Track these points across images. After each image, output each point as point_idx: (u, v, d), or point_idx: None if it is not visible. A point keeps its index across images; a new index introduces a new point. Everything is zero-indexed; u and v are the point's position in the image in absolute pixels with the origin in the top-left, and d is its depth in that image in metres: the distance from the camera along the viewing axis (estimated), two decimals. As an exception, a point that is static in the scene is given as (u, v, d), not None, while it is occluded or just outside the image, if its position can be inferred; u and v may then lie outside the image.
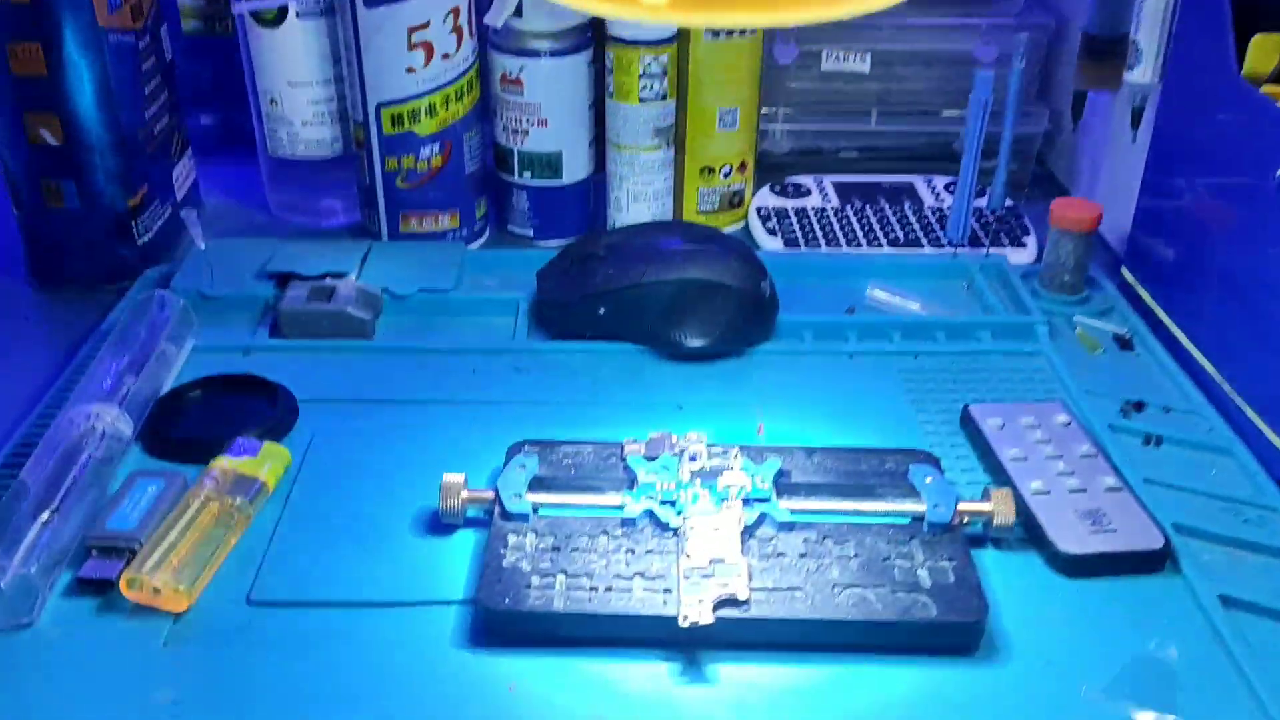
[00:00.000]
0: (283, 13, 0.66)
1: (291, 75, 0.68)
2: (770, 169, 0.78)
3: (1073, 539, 0.45)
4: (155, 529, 0.43)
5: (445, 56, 0.64)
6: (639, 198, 0.70)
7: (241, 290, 0.61)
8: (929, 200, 0.75)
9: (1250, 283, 0.53)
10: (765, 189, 0.75)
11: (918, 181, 0.77)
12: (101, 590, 0.42)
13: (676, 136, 0.70)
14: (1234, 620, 0.42)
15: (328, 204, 0.73)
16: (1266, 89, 0.53)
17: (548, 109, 0.67)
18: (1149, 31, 0.63)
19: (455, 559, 0.45)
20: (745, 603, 0.41)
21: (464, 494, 0.46)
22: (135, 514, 0.44)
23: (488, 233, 0.72)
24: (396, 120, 0.65)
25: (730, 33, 0.67)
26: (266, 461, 0.48)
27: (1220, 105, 0.56)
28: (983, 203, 0.68)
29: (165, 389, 0.53)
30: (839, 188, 0.76)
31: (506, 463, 0.47)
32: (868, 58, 0.77)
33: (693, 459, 0.47)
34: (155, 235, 0.66)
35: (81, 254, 0.64)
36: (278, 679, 0.39)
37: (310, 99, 0.69)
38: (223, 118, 0.80)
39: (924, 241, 0.70)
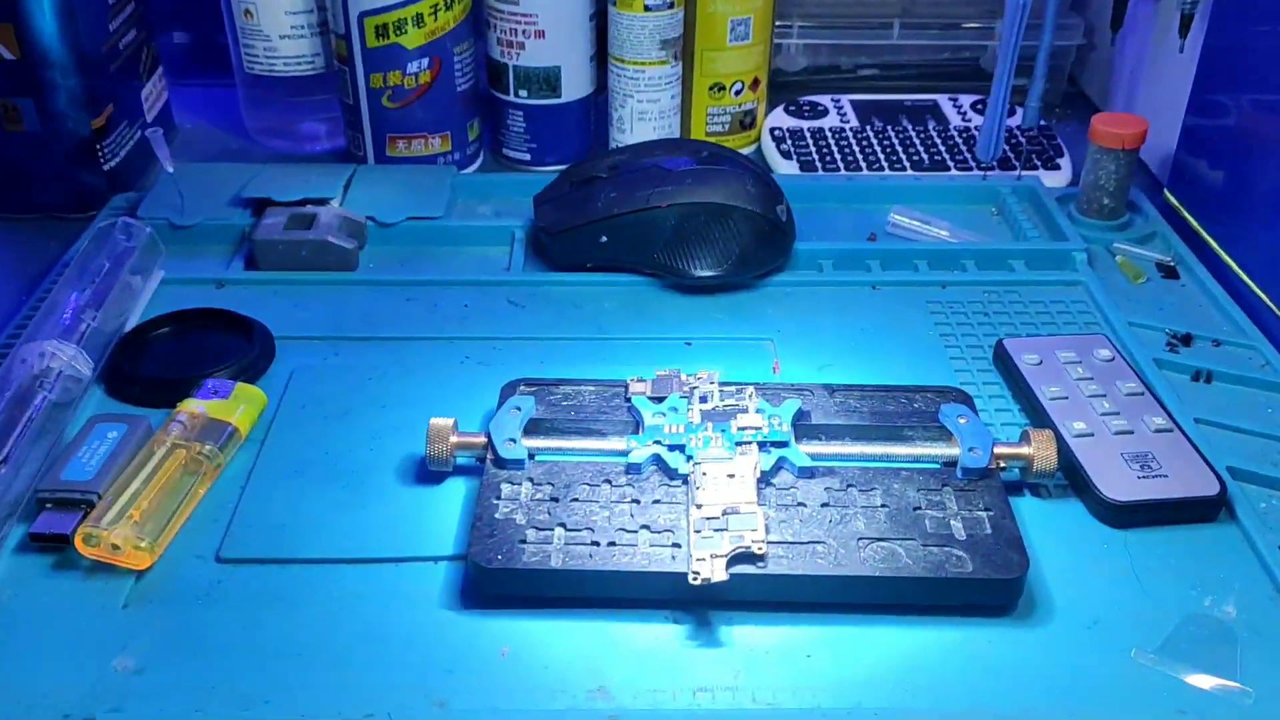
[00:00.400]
0: (256, -86, 0.61)
1: (267, -17, 0.63)
2: (784, 87, 0.73)
3: (1120, 485, 0.41)
4: (115, 479, 0.40)
5: (433, -39, 0.59)
6: (644, 117, 0.65)
7: (214, 218, 0.57)
8: (954, 120, 0.70)
9: (1312, 204, 0.49)
10: (779, 109, 0.71)
11: (942, 100, 0.72)
12: (56, 547, 0.39)
13: (684, 50, 0.65)
14: (1297, 573, 0.39)
15: (309, 127, 0.68)
16: (1337, -11, 0.48)
17: (545, 19, 0.62)
18: (1202, -72, 0.58)
19: (444, 511, 0.42)
20: (762, 558, 0.37)
21: (453, 439, 0.42)
22: (93, 463, 0.41)
23: (481, 156, 0.68)
24: (381, 31, 0.60)
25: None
26: (239, 404, 0.44)
27: (1283, 8, 0.51)
28: (1015, 121, 0.63)
29: (130, 325, 0.50)
30: (858, 107, 0.71)
31: (500, 405, 0.44)
32: (890, -35, 0.72)
33: (704, 399, 0.44)
34: (123, 160, 0.63)
35: (43, 180, 0.60)
36: (249, 643, 0.36)
37: (288, 8, 0.64)
38: (198, 35, 0.75)
39: (950, 164, 0.65)
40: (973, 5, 0.73)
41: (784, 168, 0.66)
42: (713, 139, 0.67)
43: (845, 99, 0.72)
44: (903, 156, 0.66)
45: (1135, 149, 0.57)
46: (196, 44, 0.75)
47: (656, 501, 0.40)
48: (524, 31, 0.63)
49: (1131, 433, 0.44)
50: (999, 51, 0.58)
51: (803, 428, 0.43)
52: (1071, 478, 0.43)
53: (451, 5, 0.61)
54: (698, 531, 0.38)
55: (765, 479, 0.41)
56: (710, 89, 0.66)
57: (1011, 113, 0.62)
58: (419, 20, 0.60)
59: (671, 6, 0.63)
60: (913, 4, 0.73)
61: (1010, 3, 0.56)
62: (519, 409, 0.43)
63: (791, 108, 0.71)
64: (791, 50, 0.74)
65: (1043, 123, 0.68)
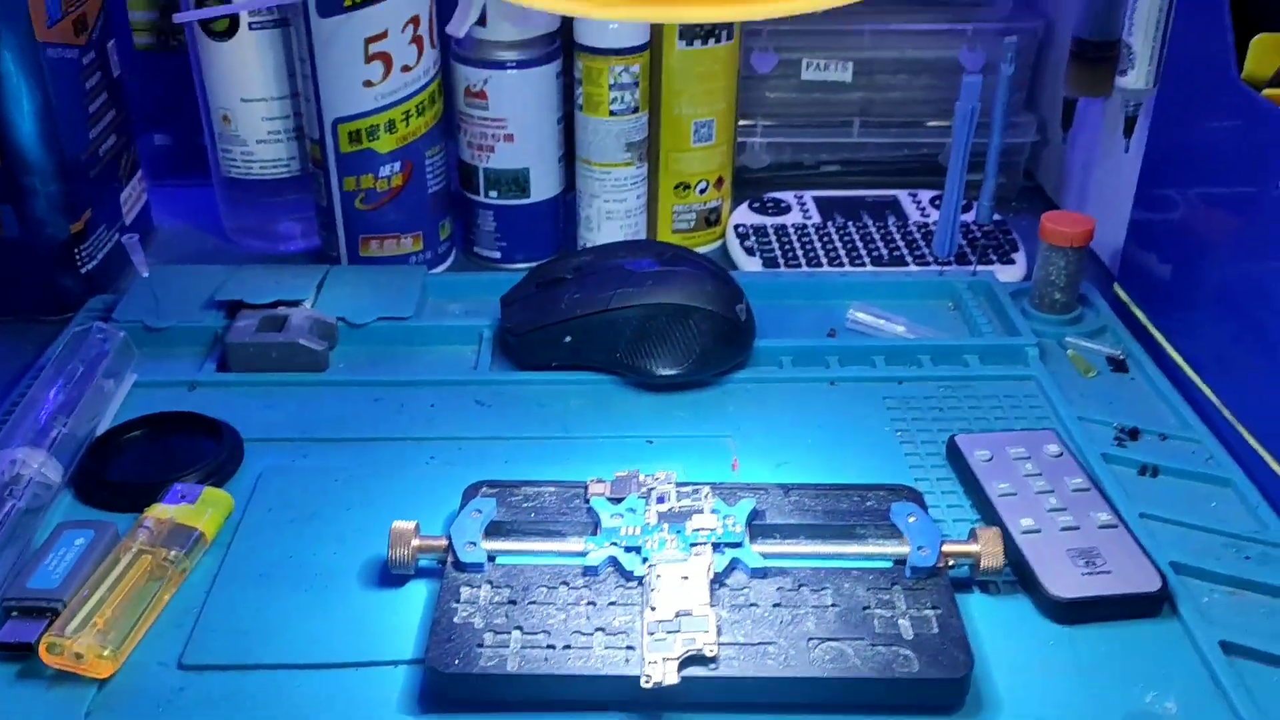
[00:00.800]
0: (234, 24, 0.63)
1: (244, 90, 0.65)
2: (748, 184, 0.75)
3: (1065, 582, 0.42)
4: (80, 587, 0.41)
5: (405, 69, 0.61)
6: (611, 216, 0.67)
7: (188, 320, 0.58)
8: (914, 215, 0.72)
9: (1251, 300, 0.51)
10: (743, 206, 0.72)
11: (902, 196, 0.74)
12: (20, 655, 0.39)
13: (650, 151, 0.67)
14: (1236, 668, 0.40)
15: (286, 227, 0.70)
16: (1268, 93, 0.50)
17: (514, 123, 0.64)
18: (1143, 34, 0.60)
19: (407, 614, 0.42)
20: (713, 660, 0.38)
21: (415, 542, 0.43)
22: (60, 570, 0.41)
23: (453, 256, 0.69)
24: (354, 137, 0.62)
25: (705, 39, 0.64)
26: (207, 509, 0.45)
27: (1219, 111, 0.54)
28: (970, 217, 0.65)
29: (102, 429, 0.51)
30: (820, 203, 0.73)
31: (462, 507, 0.45)
32: (849, 66, 0.74)
33: (660, 500, 0.45)
34: (100, 263, 0.64)
35: (21, 284, 0.61)
36: (208, 751, 0.37)
37: (264, 115, 0.66)
38: (178, 138, 0.76)
39: (909, 259, 0.67)
40: (930, 104, 0.76)
41: (748, 264, 0.68)
42: (679, 236, 0.69)
43: (808, 195, 0.74)
44: (863, 252, 0.68)
45: (1083, 246, 0.59)
46: (176, 146, 0.76)
47: (612, 603, 0.41)
48: (494, 135, 0.65)
49: (1077, 529, 0.45)
50: (951, 153, 0.60)
51: (757, 527, 0.44)
52: (1019, 574, 0.44)
53: (423, 111, 0.63)
54: (651, 634, 0.39)
55: (719, 579, 0.42)
56: (675, 188, 0.68)
57: (969, 208, 0.64)
58: (391, 126, 0.62)
59: (636, 111, 0.65)
60: (871, 103, 0.76)
61: (959, 108, 0.58)
62: (480, 511, 0.44)
63: (755, 204, 0.73)
64: (755, 148, 0.76)
65: (998, 217, 0.70)
